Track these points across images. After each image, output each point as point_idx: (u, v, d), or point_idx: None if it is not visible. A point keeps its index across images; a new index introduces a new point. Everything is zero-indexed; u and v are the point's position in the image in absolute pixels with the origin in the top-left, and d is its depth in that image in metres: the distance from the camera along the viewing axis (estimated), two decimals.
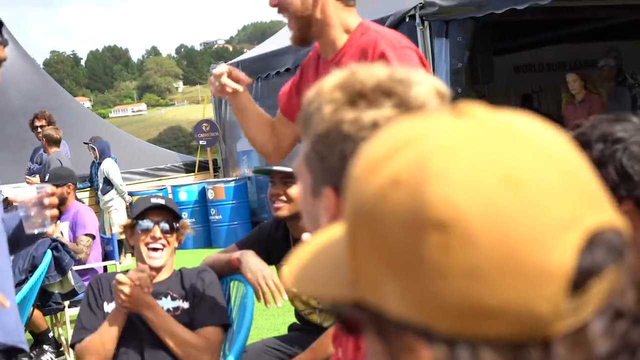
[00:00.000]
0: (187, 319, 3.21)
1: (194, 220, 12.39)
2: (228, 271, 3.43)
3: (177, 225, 3.35)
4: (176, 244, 3.38)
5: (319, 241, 0.86)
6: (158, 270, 3.30)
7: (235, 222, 12.20)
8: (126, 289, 2.99)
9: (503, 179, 0.66)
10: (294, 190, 3.26)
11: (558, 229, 0.66)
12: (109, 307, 3.25)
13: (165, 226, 3.28)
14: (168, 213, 3.32)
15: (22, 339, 3.01)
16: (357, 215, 0.73)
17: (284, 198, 3.29)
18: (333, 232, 0.85)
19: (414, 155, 0.70)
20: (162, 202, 3.33)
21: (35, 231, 2.84)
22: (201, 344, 3.12)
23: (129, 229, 3.35)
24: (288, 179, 3.27)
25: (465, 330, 0.67)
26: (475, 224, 0.66)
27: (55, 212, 2.90)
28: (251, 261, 3.22)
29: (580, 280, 0.66)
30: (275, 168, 3.28)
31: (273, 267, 3.33)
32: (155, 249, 3.27)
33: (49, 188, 2.87)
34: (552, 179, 0.67)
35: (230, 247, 3.58)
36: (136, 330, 3.13)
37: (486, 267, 0.65)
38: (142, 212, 3.28)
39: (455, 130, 0.71)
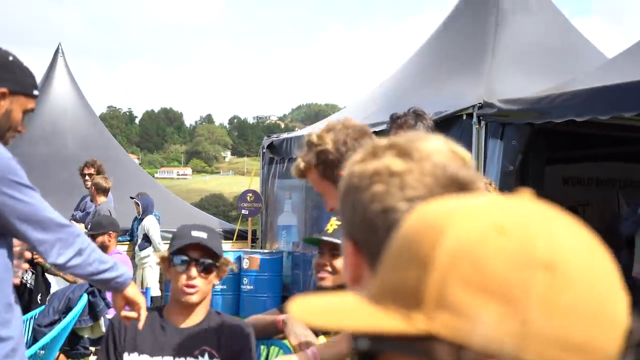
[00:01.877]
0: None
1: (225, 287, 12.40)
2: (270, 332, 3.43)
3: (218, 263, 3.12)
4: (216, 281, 3.17)
5: (332, 302, 0.90)
6: (193, 307, 3.11)
7: (266, 295, 12.16)
8: None
9: (589, 248, 0.82)
10: (340, 263, 3.29)
11: (619, 294, 0.81)
12: (129, 357, 3.07)
13: (203, 265, 3.06)
14: (208, 249, 3.08)
15: None
16: (454, 255, 0.80)
17: (329, 269, 3.31)
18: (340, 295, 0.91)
19: (515, 207, 0.83)
20: (204, 236, 3.06)
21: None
22: None
23: (167, 261, 3.11)
24: (335, 251, 3.31)
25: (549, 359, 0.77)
26: (575, 273, 0.78)
27: (25, 265, 3.03)
28: (296, 325, 3.22)
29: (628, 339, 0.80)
30: (325, 238, 3.32)
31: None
32: (191, 286, 3.06)
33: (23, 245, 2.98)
34: (607, 259, 0.83)
35: (273, 311, 3.59)
36: None
37: (581, 308, 0.77)
38: (181, 247, 3.06)
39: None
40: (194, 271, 3.03)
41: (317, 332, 3.34)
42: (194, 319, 3.15)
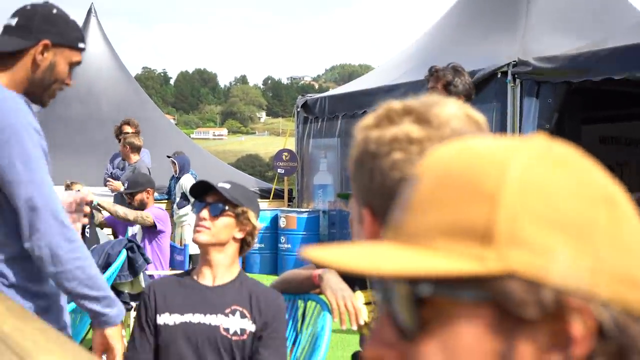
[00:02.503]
0: (249, 346, 3.03)
1: (263, 245, 12.52)
2: (306, 287, 3.42)
3: (234, 211, 3.06)
4: (238, 235, 3.09)
5: (377, 250, 0.82)
6: (208, 251, 3.06)
7: None
8: None
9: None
10: None
11: None
12: (161, 318, 3.03)
13: (214, 208, 3.04)
14: (225, 197, 3.04)
15: None
16: (524, 189, 0.75)
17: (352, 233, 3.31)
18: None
19: (554, 144, 0.80)
20: (226, 186, 3.05)
21: None
22: None
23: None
24: None
25: (617, 295, 0.73)
26: (627, 208, 0.77)
27: (85, 220, 2.90)
28: (333, 280, 3.21)
29: None
30: None
31: None
32: (201, 225, 3.02)
33: (88, 195, 2.88)
34: None
35: (309, 265, 3.60)
36: None
37: (635, 243, 0.76)
38: (198, 192, 3.09)
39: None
40: (204, 212, 3.02)
41: (352, 287, 3.36)
42: (224, 278, 3.11)
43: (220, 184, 3.08)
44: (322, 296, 3.47)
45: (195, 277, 3.13)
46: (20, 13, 2.63)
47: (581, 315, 0.72)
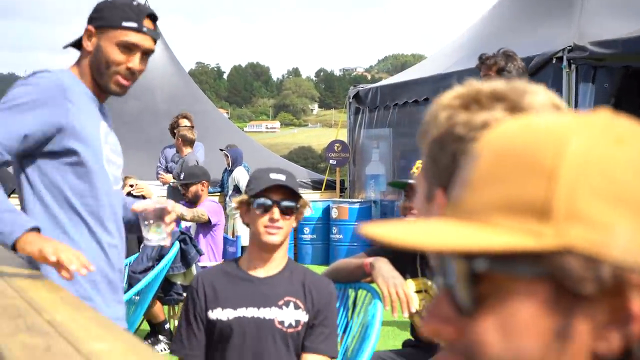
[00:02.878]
0: (303, 335, 3.02)
1: (315, 236, 12.58)
2: (357, 276, 3.43)
3: (298, 205, 3.06)
4: (294, 224, 3.09)
5: (435, 227, 0.82)
6: (273, 249, 3.05)
7: (356, 244, 12.24)
8: None
9: None
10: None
11: None
12: (214, 314, 3.00)
13: (285, 206, 3.01)
14: (288, 191, 3.04)
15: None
16: (582, 166, 0.75)
17: (415, 212, 3.31)
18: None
19: (616, 120, 0.79)
20: (283, 178, 3.03)
21: (153, 243, 2.80)
22: None
23: (245, 205, 3.05)
24: None
25: None
26: None
27: (172, 227, 2.83)
28: (384, 268, 3.22)
29: None
30: (412, 181, 3.32)
31: None
32: (275, 227, 2.99)
33: (169, 206, 2.79)
34: None
35: (360, 255, 3.61)
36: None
37: None
38: (261, 190, 3.00)
39: None
40: (276, 212, 2.97)
41: (403, 275, 3.36)
42: (274, 268, 3.08)
43: (274, 175, 3.04)
44: (373, 285, 3.47)
45: (244, 268, 3.09)
46: None
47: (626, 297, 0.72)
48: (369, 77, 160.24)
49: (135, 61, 2.61)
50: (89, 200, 2.62)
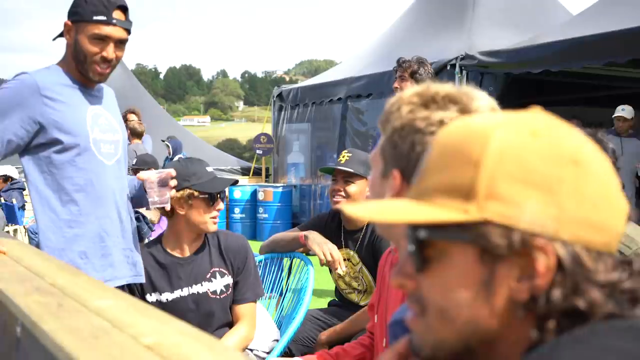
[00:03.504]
0: (232, 294, 3.00)
1: (244, 215, 12.60)
2: (293, 246, 3.50)
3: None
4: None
5: (394, 205, 0.94)
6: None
7: (278, 222, 12.31)
8: None
9: (595, 149, 0.87)
10: (352, 189, 3.36)
11: (619, 186, 0.86)
12: (151, 297, 2.93)
13: (222, 199, 3.01)
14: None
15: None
16: (500, 155, 0.84)
17: (342, 194, 3.37)
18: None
19: (539, 116, 0.87)
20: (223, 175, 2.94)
21: (158, 205, 2.76)
22: (249, 332, 2.98)
23: (189, 198, 2.89)
24: (348, 178, 3.37)
25: (579, 237, 0.82)
26: (594, 168, 0.83)
27: (174, 191, 2.79)
28: (317, 237, 3.31)
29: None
30: (339, 167, 3.38)
31: None
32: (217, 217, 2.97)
33: (172, 171, 2.76)
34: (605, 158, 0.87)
35: (293, 229, 3.67)
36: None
37: (599, 197, 0.83)
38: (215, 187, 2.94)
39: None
40: (222, 205, 2.98)
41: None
42: (196, 244, 3.01)
43: (210, 169, 2.99)
44: (306, 255, 3.54)
45: (169, 249, 3.00)
46: None
47: (544, 253, 0.81)
48: (287, 79, 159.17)
49: (109, 51, 2.56)
50: (79, 180, 2.59)
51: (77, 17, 2.55)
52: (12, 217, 10.20)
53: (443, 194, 0.86)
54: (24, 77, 2.54)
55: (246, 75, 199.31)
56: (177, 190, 2.83)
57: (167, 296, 2.94)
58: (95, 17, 2.53)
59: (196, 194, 2.90)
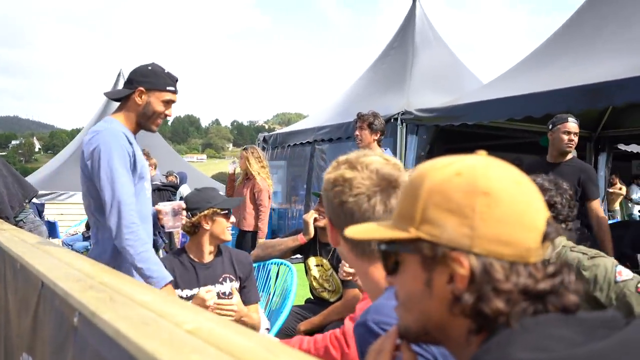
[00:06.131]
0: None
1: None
2: (290, 245, 3.47)
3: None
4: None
5: (368, 226, 0.98)
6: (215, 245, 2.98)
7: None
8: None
9: (515, 181, 0.86)
10: None
11: (539, 210, 0.86)
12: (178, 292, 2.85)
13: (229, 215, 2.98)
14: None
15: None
16: (430, 191, 0.87)
17: (324, 214, 3.37)
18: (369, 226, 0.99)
19: (467, 162, 0.89)
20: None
21: (171, 229, 2.78)
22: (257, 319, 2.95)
23: (212, 215, 2.90)
24: None
25: (490, 251, 0.83)
26: (503, 196, 0.84)
27: (185, 219, 2.81)
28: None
29: (545, 237, 0.86)
30: (322, 193, 3.37)
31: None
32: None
33: (182, 204, 2.80)
34: (532, 189, 0.87)
35: (281, 237, 3.63)
36: None
37: (506, 218, 0.83)
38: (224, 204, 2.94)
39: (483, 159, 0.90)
40: (233, 218, 2.98)
41: (307, 255, 3.39)
42: (213, 254, 2.98)
43: (224, 196, 2.96)
44: (290, 264, 3.51)
45: (192, 256, 2.96)
46: (130, 72, 2.62)
47: (459, 263, 0.83)
48: (267, 127, 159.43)
49: (170, 111, 2.64)
50: (138, 207, 2.53)
51: (152, 85, 2.58)
52: (52, 232, 9.97)
53: (398, 219, 0.92)
54: (113, 131, 2.50)
55: (235, 123, 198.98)
56: (202, 211, 2.87)
57: (187, 292, 2.91)
58: (168, 87, 2.60)
59: (218, 210, 2.90)
